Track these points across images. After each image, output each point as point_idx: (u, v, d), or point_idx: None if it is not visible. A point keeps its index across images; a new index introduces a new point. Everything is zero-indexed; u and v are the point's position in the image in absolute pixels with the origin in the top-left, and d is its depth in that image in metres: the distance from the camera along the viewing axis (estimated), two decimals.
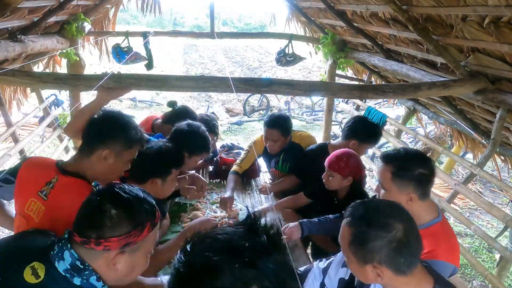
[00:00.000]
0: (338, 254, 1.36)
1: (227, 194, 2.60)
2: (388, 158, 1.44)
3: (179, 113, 2.55)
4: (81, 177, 1.41)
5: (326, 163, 2.09)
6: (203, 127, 2.25)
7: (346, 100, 7.48)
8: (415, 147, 6.07)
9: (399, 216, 1.07)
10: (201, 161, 2.65)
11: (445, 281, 1.15)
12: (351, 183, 2.08)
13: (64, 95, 6.60)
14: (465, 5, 1.78)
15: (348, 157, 2.05)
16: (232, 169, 2.88)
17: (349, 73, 4.69)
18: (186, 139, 2.11)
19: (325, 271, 1.43)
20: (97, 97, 1.86)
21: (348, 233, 1.08)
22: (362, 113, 4.17)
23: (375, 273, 1.05)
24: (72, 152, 4.24)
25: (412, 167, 1.39)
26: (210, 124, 2.67)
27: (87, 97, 9.08)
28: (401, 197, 1.38)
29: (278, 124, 2.60)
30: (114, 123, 1.49)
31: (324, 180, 2.12)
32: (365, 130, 2.41)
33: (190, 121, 2.26)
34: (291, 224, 1.97)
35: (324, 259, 1.48)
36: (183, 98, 10.67)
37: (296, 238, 1.97)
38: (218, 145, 3.71)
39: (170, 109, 2.64)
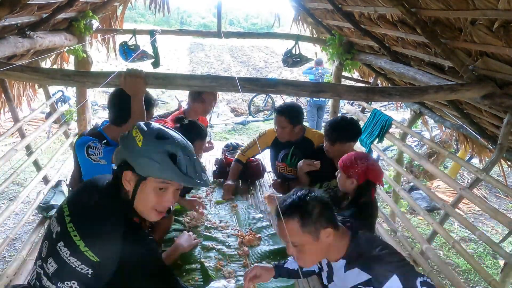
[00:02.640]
0: None
1: (229, 182, 2.86)
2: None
3: (190, 130, 2.42)
4: None
5: (340, 163, 2.06)
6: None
7: (351, 102, 7.48)
8: (420, 151, 6.04)
9: (308, 192, 1.38)
10: None
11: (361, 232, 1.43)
12: (356, 188, 1.98)
13: (70, 91, 6.66)
14: (475, 8, 1.77)
15: (356, 159, 1.98)
16: (236, 157, 3.03)
17: (355, 75, 4.67)
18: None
19: None
20: (132, 101, 1.87)
21: (294, 224, 1.31)
22: (367, 115, 4.16)
23: (326, 234, 1.32)
24: None
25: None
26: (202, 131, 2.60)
27: (93, 94, 9.13)
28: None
29: (287, 112, 2.77)
30: None
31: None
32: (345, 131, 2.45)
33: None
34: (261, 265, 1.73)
35: None
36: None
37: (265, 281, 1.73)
38: (223, 144, 3.73)
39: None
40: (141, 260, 1.17)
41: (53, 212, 2.99)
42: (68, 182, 3.44)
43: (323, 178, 2.53)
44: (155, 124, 1.25)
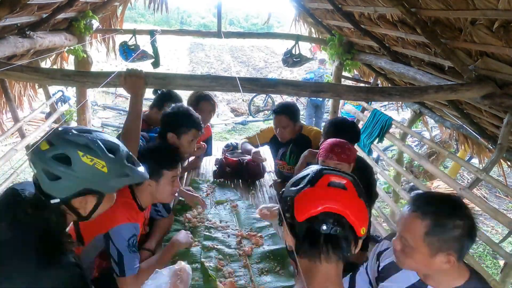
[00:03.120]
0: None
1: (254, 149, 3.05)
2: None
3: (163, 96, 2.72)
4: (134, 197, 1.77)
5: (331, 156, 1.94)
6: (185, 106, 2.36)
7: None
8: (420, 151, 6.04)
9: (464, 207, 1.16)
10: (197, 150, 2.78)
11: (479, 275, 1.23)
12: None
13: (70, 91, 6.66)
14: (475, 8, 1.77)
15: (347, 143, 2.00)
16: (243, 139, 3.31)
17: (355, 75, 4.67)
18: (170, 120, 2.22)
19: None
20: (131, 101, 1.90)
21: (421, 225, 1.12)
22: (367, 115, 4.16)
23: (446, 260, 1.12)
24: None
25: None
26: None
27: (93, 94, 9.11)
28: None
29: (286, 110, 2.80)
30: None
31: None
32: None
33: (178, 104, 2.35)
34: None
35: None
36: (188, 97, 10.70)
37: None
38: (223, 144, 3.73)
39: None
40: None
41: None
42: None
43: None
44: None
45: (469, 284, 1.17)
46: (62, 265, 1.05)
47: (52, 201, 1.07)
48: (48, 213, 1.08)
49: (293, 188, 0.90)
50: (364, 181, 2.08)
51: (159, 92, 2.77)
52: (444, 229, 1.10)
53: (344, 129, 2.34)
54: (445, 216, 1.11)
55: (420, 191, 1.28)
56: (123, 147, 1.20)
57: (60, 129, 1.13)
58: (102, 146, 1.12)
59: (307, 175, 0.91)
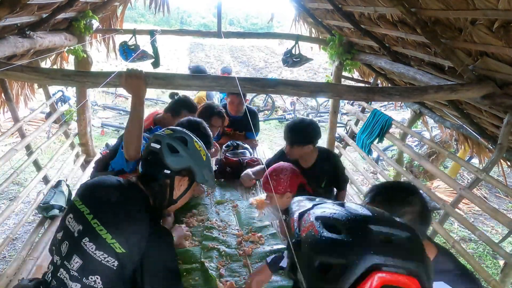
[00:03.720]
0: None
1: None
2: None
3: (179, 102, 2.73)
4: None
5: (262, 186, 2.04)
6: (204, 124, 2.35)
7: (351, 102, 7.47)
8: (420, 151, 6.04)
9: (415, 193, 1.21)
10: None
11: (446, 250, 1.30)
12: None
13: (70, 91, 6.66)
14: (475, 8, 1.77)
15: (278, 174, 1.96)
16: None
17: (355, 75, 4.67)
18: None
19: None
20: (132, 101, 1.91)
21: None
22: (367, 115, 4.16)
23: None
24: (78, 149, 4.26)
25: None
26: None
27: (93, 94, 9.09)
28: None
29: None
30: None
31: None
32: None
33: (191, 118, 2.39)
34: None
35: None
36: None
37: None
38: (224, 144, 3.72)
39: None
40: (163, 251, 1.26)
41: (53, 212, 2.99)
42: (67, 182, 3.44)
43: None
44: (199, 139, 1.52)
45: (437, 258, 1.21)
46: (167, 231, 1.35)
47: (165, 171, 1.38)
48: (156, 185, 1.37)
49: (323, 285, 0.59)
50: (331, 169, 2.10)
51: (175, 97, 2.78)
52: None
53: (299, 130, 2.37)
54: (396, 204, 1.16)
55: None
56: None
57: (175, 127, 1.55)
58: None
59: (348, 264, 0.57)
